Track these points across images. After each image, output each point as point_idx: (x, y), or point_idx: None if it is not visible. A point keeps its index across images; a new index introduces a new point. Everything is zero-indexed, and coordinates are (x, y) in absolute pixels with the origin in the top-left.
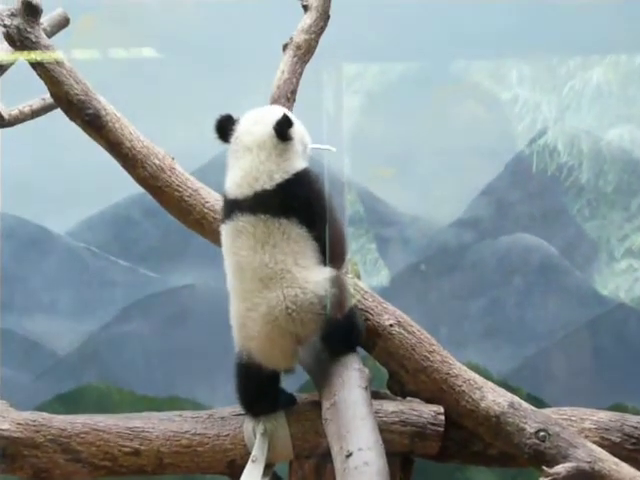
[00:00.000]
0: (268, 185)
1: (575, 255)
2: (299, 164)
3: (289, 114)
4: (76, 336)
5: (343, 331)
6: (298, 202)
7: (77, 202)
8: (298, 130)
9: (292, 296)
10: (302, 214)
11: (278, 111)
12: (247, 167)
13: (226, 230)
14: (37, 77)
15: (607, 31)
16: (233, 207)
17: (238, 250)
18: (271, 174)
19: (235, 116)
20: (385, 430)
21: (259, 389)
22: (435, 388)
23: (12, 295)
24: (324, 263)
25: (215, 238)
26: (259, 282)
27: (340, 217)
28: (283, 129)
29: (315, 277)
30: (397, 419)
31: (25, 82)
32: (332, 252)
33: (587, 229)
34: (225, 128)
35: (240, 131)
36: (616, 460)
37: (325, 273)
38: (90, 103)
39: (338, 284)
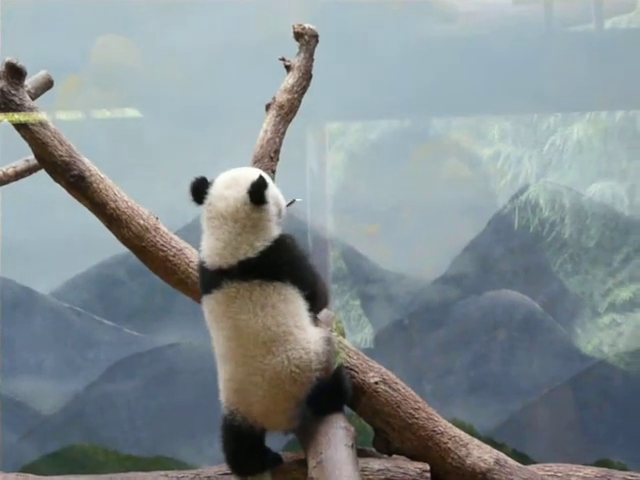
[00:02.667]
0: (251, 253)
1: (558, 310)
2: (275, 231)
3: (264, 175)
4: (61, 396)
5: (331, 391)
6: (285, 266)
7: (62, 262)
8: (272, 192)
9: (296, 358)
10: (291, 276)
11: (251, 173)
12: (225, 238)
13: (215, 299)
14: (21, 139)
15: (587, 88)
16: (219, 277)
17: (235, 315)
18: (251, 243)
19: (210, 178)
20: None
21: (248, 449)
22: (421, 445)
23: None
24: (314, 321)
25: (200, 297)
26: (262, 346)
27: (319, 273)
28: (259, 192)
29: (313, 336)
30: (383, 477)
31: (9, 144)
32: (318, 305)
33: (570, 284)
34: (200, 191)
35: (213, 196)
36: None
37: (320, 332)
38: (74, 164)
39: (331, 343)
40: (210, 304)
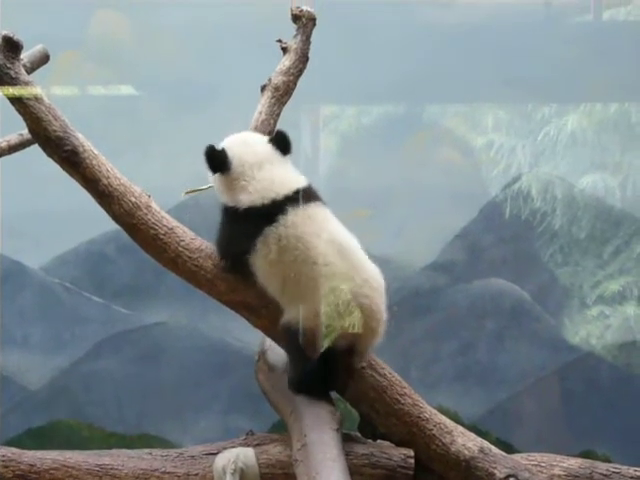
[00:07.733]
0: (302, 184)
1: (547, 301)
2: None
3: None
4: (47, 371)
5: (323, 372)
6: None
7: (52, 237)
8: None
9: (378, 273)
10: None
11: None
12: (274, 173)
13: (283, 224)
14: (15, 113)
15: (582, 79)
16: (281, 205)
17: (323, 230)
18: (297, 176)
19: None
20: (355, 472)
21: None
22: (406, 431)
23: None
24: None
25: (189, 276)
26: (354, 256)
27: None
28: (288, 143)
29: None
30: (367, 461)
31: (3, 117)
32: None
33: (559, 275)
34: (218, 159)
35: (238, 157)
36: None
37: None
38: (68, 140)
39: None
40: (277, 233)
